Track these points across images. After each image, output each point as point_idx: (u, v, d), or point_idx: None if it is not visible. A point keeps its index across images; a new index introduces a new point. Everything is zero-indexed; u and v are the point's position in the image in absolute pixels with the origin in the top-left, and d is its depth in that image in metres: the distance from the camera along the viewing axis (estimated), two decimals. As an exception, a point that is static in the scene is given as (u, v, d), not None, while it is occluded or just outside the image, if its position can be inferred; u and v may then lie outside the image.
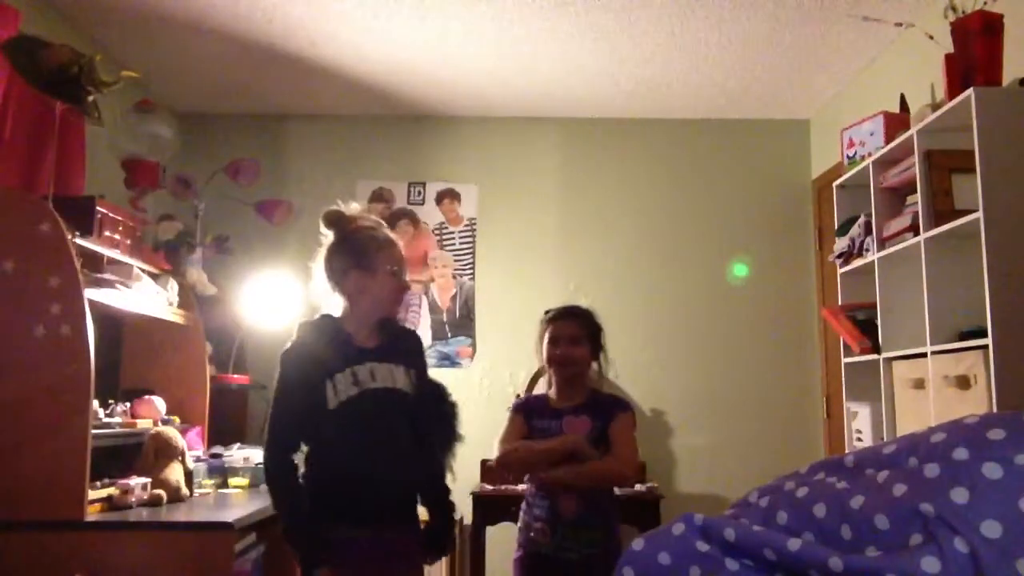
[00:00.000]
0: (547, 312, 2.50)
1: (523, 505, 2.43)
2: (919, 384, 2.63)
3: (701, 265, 4.36)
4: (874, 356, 2.91)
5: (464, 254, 4.42)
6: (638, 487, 3.59)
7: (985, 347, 2.28)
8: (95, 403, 2.56)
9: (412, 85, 4.09)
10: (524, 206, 4.43)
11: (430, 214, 4.44)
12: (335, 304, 2.14)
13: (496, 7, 3.29)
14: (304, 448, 2.07)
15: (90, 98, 2.69)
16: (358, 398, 2.02)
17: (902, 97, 3.09)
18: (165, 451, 2.92)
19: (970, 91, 2.35)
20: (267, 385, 4.08)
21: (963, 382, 2.36)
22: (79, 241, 2.66)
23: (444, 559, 3.09)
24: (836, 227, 3.28)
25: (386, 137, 4.49)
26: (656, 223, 4.41)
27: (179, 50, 3.71)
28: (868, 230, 3.01)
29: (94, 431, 2.51)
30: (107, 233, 2.87)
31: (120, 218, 2.97)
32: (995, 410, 2.20)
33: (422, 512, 2.20)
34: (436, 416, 2.30)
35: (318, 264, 2.14)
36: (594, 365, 2.47)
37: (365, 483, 2.02)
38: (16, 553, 2.35)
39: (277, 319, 3.97)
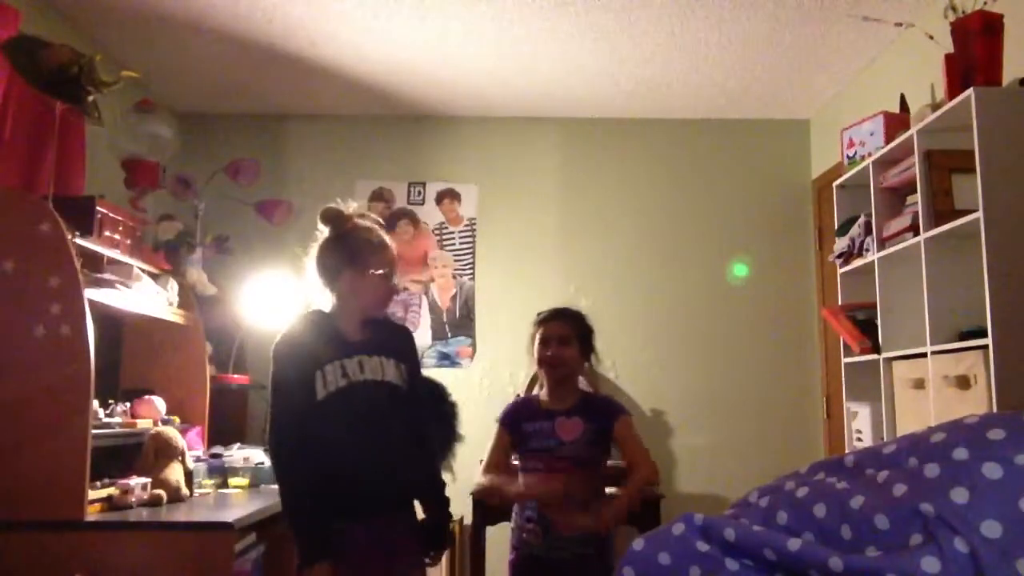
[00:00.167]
0: (539, 314, 2.51)
1: (515, 507, 2.43)
2: (919, 384, 2.63)
3: (701, 265, 4.36)
4: (874, 356, 2.91)
5: (464, 254, 4.42)
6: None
7: (985, 347, 2.28)
8: (95, 403, 2.56)
9: (412, 85, 4.09)
10: (524, 206, 4.43)
11: (430, 214, 4.44)
12: (326, 299, 2.15)
13: (496, 7, 3.29)
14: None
15: (90, 98, 2.68)
16: (347, 389, 2.04)
17: (902, 97, 3.09)
18: (165, 451, 2.92)
19: (970, 91, 2.35)
20: (267, 385, 4.08)
21: (963, 382, 2.37)
22: (79, 241, 2.66)
23: (444, 559, 3.09)
24: (836, 227, 3.28)
25: (386, 137, 4.49)
26: (656, 223, 4.41)
27: (179, 50, 3.71)
28: (868, 230, 3.01)
29: (94, 431, 2.51)
30: (107, 233, 2.87)
31: (120, 218, 2.97)
32: (995, 410, 2.20)
33: (419, 509, 2.21)
34: (436, 416, 2.30)
35: (311, 259, 2.15)
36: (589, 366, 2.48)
37: (355, 474, 2.03)
38: (16, 553, 2.35)
39: (277, 319, 3.97)
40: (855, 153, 3.11)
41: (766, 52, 3.66)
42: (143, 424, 3.00)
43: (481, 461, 2.50)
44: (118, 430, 2.85)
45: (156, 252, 3.37)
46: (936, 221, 2.55)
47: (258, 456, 3.50)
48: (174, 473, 2.91)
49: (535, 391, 2.47)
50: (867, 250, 3.01)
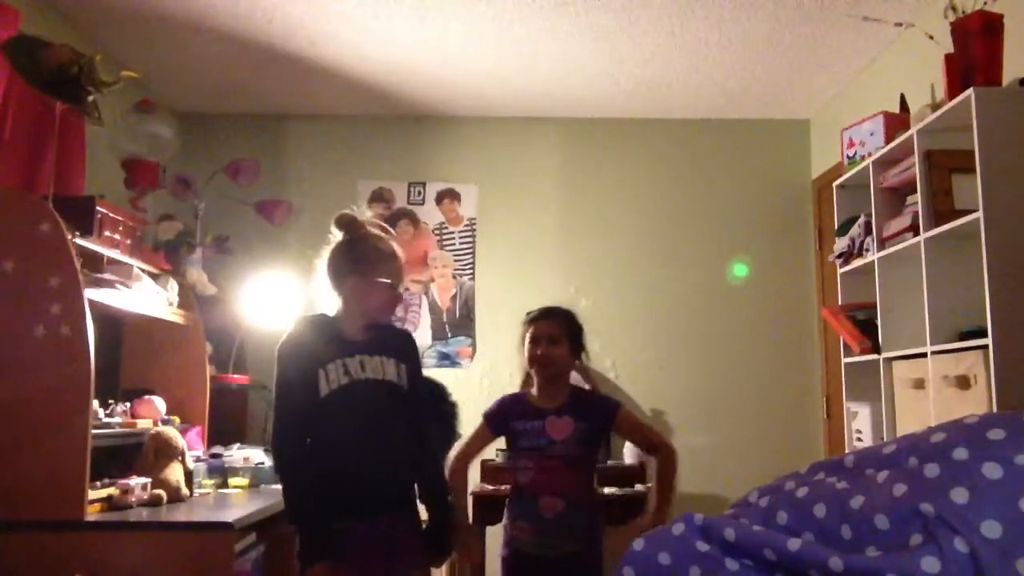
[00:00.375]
0: (528, 313, 2.51)
1: (507, 504, 2.44)
2: (919, 384, 2.63)
3: (701, 265, 4.36)
4: (874, 356, 2.91)
5: (464, 254, 4.42)
6: (638, 487, 3.59)
7: (985, 347, 2.28)
8: (95, 403, 2.56)
9: (412, 85, 4.09)
10: (524, 206, 4.43)
11: (430, 214, 4.44)
12: (334, 301, 2.18)
13: (496, 7, 3.29)
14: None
15: (90, 98, 2.68)
16: (348, 387, 2.07)
17: (902, 97, 3.09)
18: (165, 451, 2.92)
19: (970, 91, 2.35)
20: (267, 385, 4.08)
21: (963, 382, 2.37)
22: (79, 241, 2.66)
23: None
24: (836, 227, 3.28)
25: (386, 137, 4.49)
26: (656, 223, 4.41)
27: (179, 50, 3.71)
28: (868, 230, 3.01)
29: (94, 431, 2.51)
30: (107, 233, 2.87)
31: (120, 218, 2.97)
32: (995, 410, 2.20)
33: (422, 509, 2.22)
34: (436, 416, 2.31)
35: (322, 261, 2.20)
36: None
37: (357, 471, 2.06)
38: (16, 553, 2.35)
39: (277, 319, 3.97)
40: (855, 153, 3.11)
41: (766, 52, 3.66)
42: (143, 424, 3.00)
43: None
44: (118, 430, 2.85)
45: (156, 252, 3.37)
46: (936, 221, 2.55)
47: (258, 456, 3.50)
48: (174, 473, 2.91)
49: (532, 389, 2.47)
50: (867, 250, 3.01)
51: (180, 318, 3.32)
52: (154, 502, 2.75)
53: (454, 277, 4.40)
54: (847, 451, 2.23)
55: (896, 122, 2.94)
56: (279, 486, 3.15)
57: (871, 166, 2.96)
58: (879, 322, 2.89)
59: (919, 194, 2.61)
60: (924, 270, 2.59)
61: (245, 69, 3.91)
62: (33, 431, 2.40)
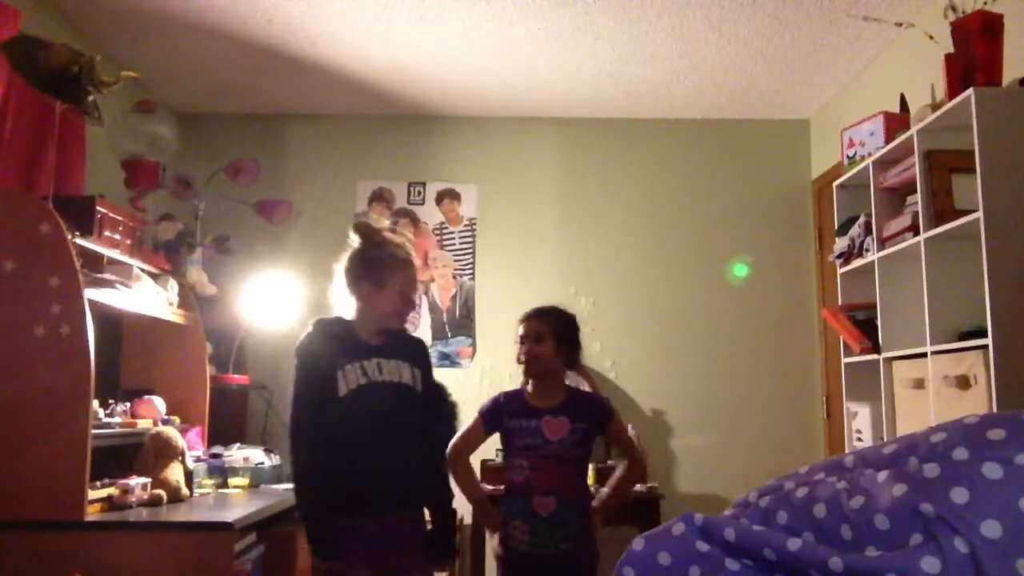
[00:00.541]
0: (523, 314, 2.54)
1: (502, 502, 2.45)
2: (919, 384, 2.63)
3: (701, 265, 4.36)
4: (874, 356, 2.91)
5: (464, 254, 4.42)
6: (638, 487, 3.59)
7: (985, 347, 2.28)
8: (95, 403, 2.56)
9: (412, 85, 4.09)
10: (524, 206, 4.43)
11: (430, 214, 4.44)
12: (351, 305, 2.25)
13: (496, 7, 3.29)
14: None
15: (90, 98, 2.69)
16: (366, 387, 2.14)
17: (902, 97, 3.09)
18: (165, 451, 2.92)
19: (970, 91, 2.35)
20: (267, 385, 4.10)
21: (963, 382, 2.36)
22: (79, 241, 2.66)
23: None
24: (836, 227, 3.28)
25: (386, 137, 4.49)
26: (656, 223, 4.41)
27: (179, 50, 3.71)
28: (868, 230, 3.01)
29: (94, 431, 2.51)
30: (107, 233, 2.87)
31: (120, 218, 2.97)
32: (995, 410, 2.20)
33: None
34: (436, 416, 2.34)
35: (341, 265, 2.28)
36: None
37: (371, 469, 2.12)
38: (16, 553, 2.35)
39: (277, 319, 3.97)
40: (855, 153, 3.11)
41: (766, 52, 3.66)
42: (143, 424, 3.00)
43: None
44: (118, 430, 2.85)
45: (156, 252, 3.37)
46: (936, 221, 2.55)
47: (258, 456, 3.50)
48: (174, 473, 2.91)
49: (528, 388, 2.49)
50: (867, 250, 3.01)
51: (180, 318, 3.32)
52: (154, 502, 2.75)
53: (454, 277, 4.40)
54: (847, 451, 2.23)
55: (896, 122, 2.94)
56: (279, 486, 3.17)
57: (871, 166, 2.96)
58: (879, 322, 2.89)
59: (919, 194, 2.61)
60: (924, 270, 2.59)
61: (245, 69, 3.91)
62: (33, 431, 2.41)
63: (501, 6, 3.29)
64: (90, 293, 2.56)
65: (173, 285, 3.31)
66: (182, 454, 2.99)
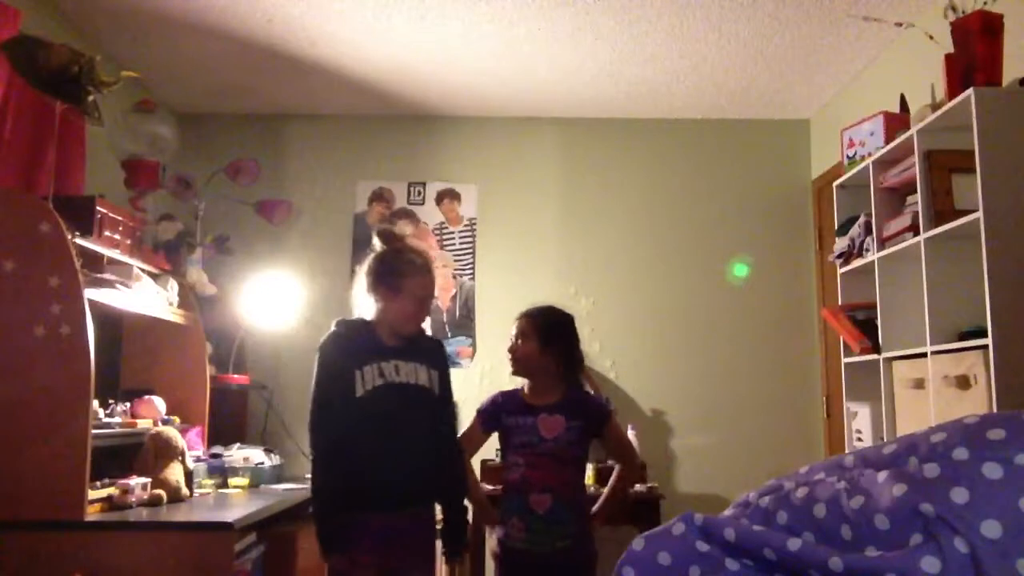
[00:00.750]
0: None
1: (500, 501, 2.46)
2: (919, 384, 2.63)
3: (701, 265, 4.36)
4: (874, 356, 2.91)
5: (464, 254, 4.42)
6: (638, 487, 3.59)
7: (985, 347, 2.28)
8: (95, 403, 2.56)
9: (412, 85, 4.09)
10: (524, 206, 4.43)
11: (430, 214, 4.44)
12: (370, 308, 2.31)
13: (496, 7, 3.29)
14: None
15: (90, 98, 2.69)
16: (383, 388, 2.21)
17: (902, 97, 3.09)
18: (165, 451, 2.92)
19: (970, 91, 2.35)
20: (267, 385, 4.10)
21: (963, 382, 2.36)
22: (79, 241, 2.66)
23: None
24: (836, 227, 3.28)
25: (386, 137, 4.49)
26: (656, 223, 4.41)
27: (179, 50, 3.71)
28: (868, 230, 3.01)
29: (94, 431, 2.51)
30: (107, 233, 2.87)
31: (120, 218, 2.97)
32: (995, 410, 2.20)
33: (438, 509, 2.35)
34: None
35: (362, 268, 2.35)
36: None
37: (384, 468, 2.18)
38: (16, 553, 2.35)
39: (277, 319, 3.97)
40: (855, 153, 3.10)
41: (766, 52, 3.66)
42: (143, 424, 3.00)
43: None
44: (118, 430, 2.85)
45: (156, 252, 3.37)
46: (936, 221, 2.55)
47: (258, 456, 3.51)
48: (174, 473, 2.91)
49: (526, 387, 2.52)
50: (867, 250, 3.01)
51: (180, 318, 3.32)
52: (154, 502, 2.75)
53: (454, 277, 4.40)
54: (847, 451, 2.23)
55: (896, 122, 2.94)
56: (279, 486, 3.18)
57: (871, 166, 2.96)
58: (879, 322, 2.89)
59: (919, 194, 2.61)
60: (924, 270, 2.59)
61: (245, 69, 3.91)
62: (33, 431, 2.41)
63: (501, 6, 3.29)
64: (90, 293, 2.56)
65: (173, 285, 3.31)
66: (182, 454, 2.99)
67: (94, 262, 2.82)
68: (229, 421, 3.82)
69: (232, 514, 2.55)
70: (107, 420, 2.83)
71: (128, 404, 3.03)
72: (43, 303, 2.44)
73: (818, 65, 3.78)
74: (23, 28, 2.75)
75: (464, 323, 4.37)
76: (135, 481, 2.71)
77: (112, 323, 3.22)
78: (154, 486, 2.80)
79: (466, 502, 2.39)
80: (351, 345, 2.26)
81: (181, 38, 3.58)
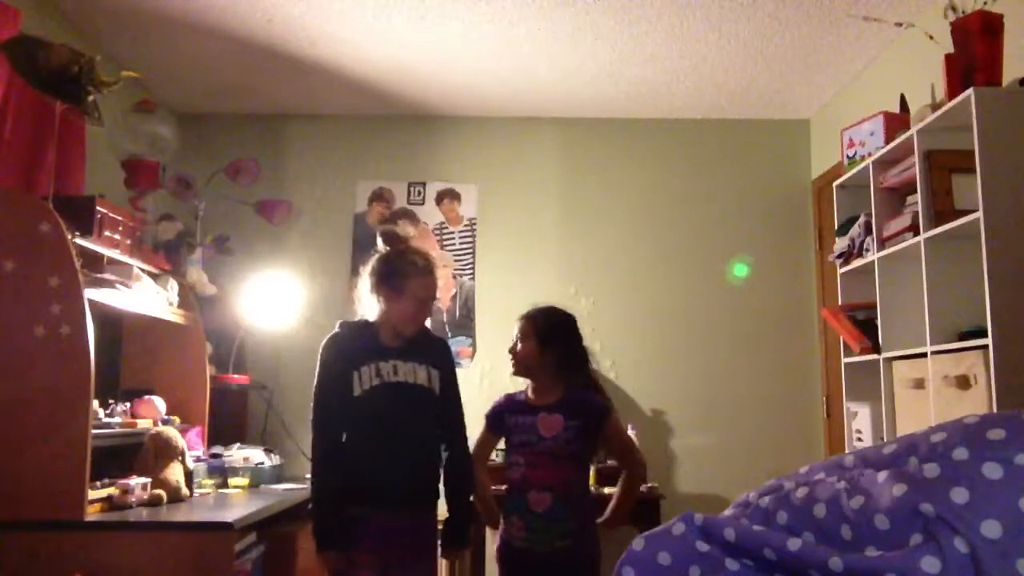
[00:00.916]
0: None
1: (503, 500, 2.47)
2: (919, 384, 2.63)
3: (701, 265, 4.36)
4: (874, 356, 2.91)
5: (464, 254, 4.42)
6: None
7: (985, 347, 2.28)
8: (95, 403, 2.56)
9: (412, 85, 4.09)
10: (524, 206, 4.43)
11: (430, 214, 4.44)
12: (373, 308, 2.35)
13: (496, 7, 3.29)
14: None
15: (90, 98, 2.69)
16: (379, 388, 2.24)
17: (902, 97, 3.09)
18: (165, 451, 2.92)
19: (970, 91, 2.35)
20: (267, 385, 4.10)
21: (963, 382, 2.36)
22: (79, 241, 2.66)
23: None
24: (836, 227, 3.28)
25: (386, 137, 4.49)
26: (656, 223, 4.41)
27: (179, 50, 3.71)
28: (868, 230, 3.01)
29: (94, 431, 2.51)
30: (107, 233, 2.87)
31: (120, 218, 2.97)
32: (995, 410, 2.20)
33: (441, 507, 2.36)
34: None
35: (366, 269, 2.38)
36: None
37: (380, 467, 2.22)
38: (16, 553, 2.35)
39: (277, 319, 3.97)
40: (855, 153, 3.10)
41: (766, 52, 3.66)
42: (143, 424, 3.00)
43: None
44: (118, 430, 2.85)
45: (156, 252, 3.37)
46: (936, 221, 2.55)
47: (258, 456, 3.50)
48: (174, 473, 2.91)
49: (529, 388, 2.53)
50: (867, 250, 3.01)
51: (180, 318, 3.32)
52: (154, 502, 2.75)
53: (454, 277, 4.40)
54: (847, 451, 2.23)
55: (896, 122, 2.94)
56: (279, 486, 3.18)
57: (871, 166, 2.96)
58: (879, 322, 2.89)
59: (919, 194, 2.61)
60: (924, 270, 2.59)
61: (245, 69, 3.91)
62: (33, 431, 2.41)
63: (501, 6, 3.29)
64: (90, 293, 2.56)
65: (173, 285, 3.31)
66: (182, 454, 2.99)
67: (94, 262, 2.82)
68: (229, 421, 3.83)
69: (232, 514, 2.55)
70: (107, 420, 2.83)
71: (128, 404, 3.03)
72: (43, 303, 2.44)
73: (818, 65, 3.78)
74: (23, 28, 2.75)
75: (464, 323, 4.37)
76: (135, 481, 2.71)
77: (112, 323, 3.22)
78: (154, 486, 2.80)
79: (472, 500, 2.41)
80: (351, 346, 2.30)
81: (181, 38, 3.58)
